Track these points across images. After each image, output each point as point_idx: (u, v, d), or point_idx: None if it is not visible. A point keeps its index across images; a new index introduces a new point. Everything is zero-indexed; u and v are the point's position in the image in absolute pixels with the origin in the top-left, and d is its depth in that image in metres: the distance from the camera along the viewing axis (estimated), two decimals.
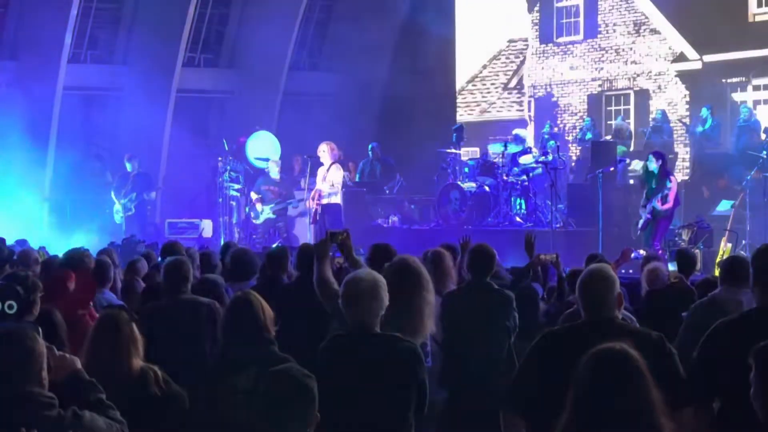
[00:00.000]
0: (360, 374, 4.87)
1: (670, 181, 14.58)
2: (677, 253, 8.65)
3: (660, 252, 13.88)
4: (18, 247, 11.01)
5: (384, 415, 4.89)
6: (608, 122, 20.46)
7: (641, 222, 14.72)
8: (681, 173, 18.54)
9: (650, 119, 19.49)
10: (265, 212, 17.04)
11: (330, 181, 15.28)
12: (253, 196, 17.24)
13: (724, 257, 13.77)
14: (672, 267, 7.62)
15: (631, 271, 11.54)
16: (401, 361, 4.92)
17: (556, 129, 20.16)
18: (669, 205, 14.51)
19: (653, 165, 14.49)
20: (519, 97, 22.39)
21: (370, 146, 19.27)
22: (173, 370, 5.07)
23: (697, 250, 14.01)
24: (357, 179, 18.76)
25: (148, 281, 8.48)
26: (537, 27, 21.82)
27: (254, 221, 17.20)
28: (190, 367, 5.28)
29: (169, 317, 6.32)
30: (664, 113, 19.03)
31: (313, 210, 15.42)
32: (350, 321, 4.98)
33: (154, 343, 5.96)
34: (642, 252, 13.08)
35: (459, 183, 16.15)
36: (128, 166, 17.83)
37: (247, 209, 17.59)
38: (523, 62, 22.26)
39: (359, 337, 4.94)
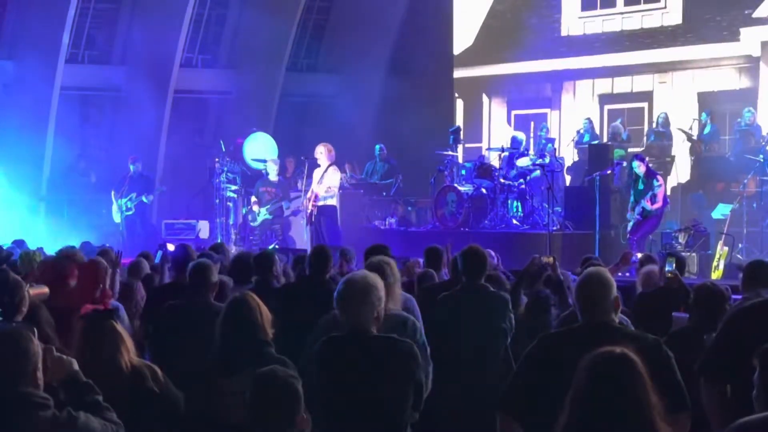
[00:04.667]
0: (355, 375, 4.86)
1: (658, 181, 14.73)
2: (668, 256, 8.63)
3: (633, 248, 13.96)
4: (16, 248, 10.99)
5: (380, 416, 4.89)
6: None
7: (630, 225, 14.80)
8: (679, 176, 18.53)
9: (652, 122, 19.46)
10: (261, 214, 17.05)
11: (327, 184, 15.25)
12: (253, 199, 17.26)
13: (721, 261, 13.86)
14: (668, 267, 7.61)
15: (627, 274, 11.55)
16: (397, 361, 4.91)
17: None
18: (659, 204, 14.64)
19: (639, 169, 14.68)
20: None
21: (377, 147, 19.30)
22: (185, 370, 5.07)
23: (693, 254, 14.05)
24: (363, 177, 18.97)
25: (145, 283, 8.50)
26: None
27: (252, 224, 17.20)
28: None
29: (188, 319, 6.28)
30: (666, 116, 19.00)
31: (309, 212, 15.40)
32: (343, 322, 4.99)
33: (169, 342, 5.98)
34: (639, 255, 13.10)
35: (456, 185, 16.14)
36: (131, 168, 17.82)
37: (244, 210, 17.59)
38: None
39: (355, 338, 4.94)
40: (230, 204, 17.74)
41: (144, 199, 17.65)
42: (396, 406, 4.92)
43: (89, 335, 4.81)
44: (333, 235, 15.13)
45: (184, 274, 7.50)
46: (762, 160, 15.63)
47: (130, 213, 17.69)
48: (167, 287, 7.80)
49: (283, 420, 3.76)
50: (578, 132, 19.34)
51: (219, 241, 15.25)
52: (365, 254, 7.60)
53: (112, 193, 17.89)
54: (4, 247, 10.80)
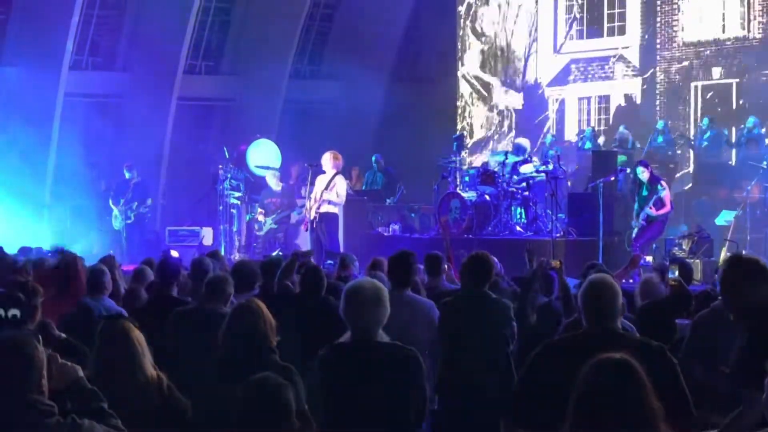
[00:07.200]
0: (360, 382, 4.86)
1: (662, 185, 14.69)
2: (671, 264, 8.62)
3: (637, 253, 13.93)
4: (22, 255, 10.95)
5: (384, 423, 4.88)
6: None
7: (635, 231, 14.78)
8: (682, 183, 18.53)
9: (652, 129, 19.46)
10: (267, 224, 17.07)
11: (336, 191, 15.23)
12: (259, 210, 17.25)
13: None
14: (670, 274, 7.58)
15: (631, 280, 11.53)
16: (402, 368, 4.91)
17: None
18: (666, 208, 14.60)
19: (643, 175, 14.67)
20: None
21: (374, 158, 19.33)
22: (193, 375, 5.09)
23: (697, 260, 14.03)
24: (363, 189, 18.96)
25: (149, 290, 8.49)
26: None
27: (258, 233, 17.20)
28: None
29: (195, 324, 6.32)
30: (665, 123, 19.02)
31: (311, 218, 15.35)
32: (351, 329, 4.98)
33: (173, 347, 6.00)
34: (650, 259, 13.08)
35: (459, 192, 16.12)
36: (127, 175, 17.85)
37: (248, 217, 17.59)
38: None
39: (360, 345, 4.94)
40: (234, 211, 17.74)
41: (143, 209, 17.73)
42: (398, 412, 4.92)
43: (111, 341, 4.79)
44: (333, 243, 15.10)
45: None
46: (766, 167, 15.62)
47: (131, 221, 17.71)
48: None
49: (270, 428, 3.75)
50: (580, 138, 19.35)
51: (221, 248, 15.27)
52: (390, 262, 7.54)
53: (110, 201, 17.90)
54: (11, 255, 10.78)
